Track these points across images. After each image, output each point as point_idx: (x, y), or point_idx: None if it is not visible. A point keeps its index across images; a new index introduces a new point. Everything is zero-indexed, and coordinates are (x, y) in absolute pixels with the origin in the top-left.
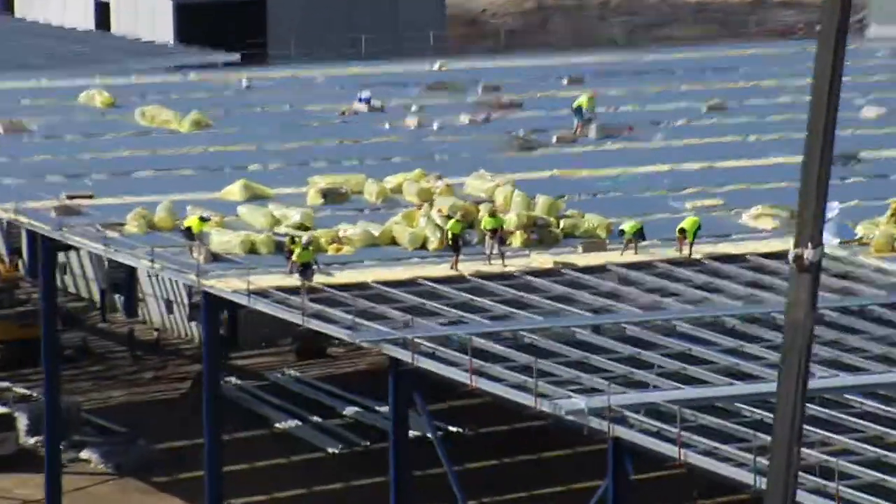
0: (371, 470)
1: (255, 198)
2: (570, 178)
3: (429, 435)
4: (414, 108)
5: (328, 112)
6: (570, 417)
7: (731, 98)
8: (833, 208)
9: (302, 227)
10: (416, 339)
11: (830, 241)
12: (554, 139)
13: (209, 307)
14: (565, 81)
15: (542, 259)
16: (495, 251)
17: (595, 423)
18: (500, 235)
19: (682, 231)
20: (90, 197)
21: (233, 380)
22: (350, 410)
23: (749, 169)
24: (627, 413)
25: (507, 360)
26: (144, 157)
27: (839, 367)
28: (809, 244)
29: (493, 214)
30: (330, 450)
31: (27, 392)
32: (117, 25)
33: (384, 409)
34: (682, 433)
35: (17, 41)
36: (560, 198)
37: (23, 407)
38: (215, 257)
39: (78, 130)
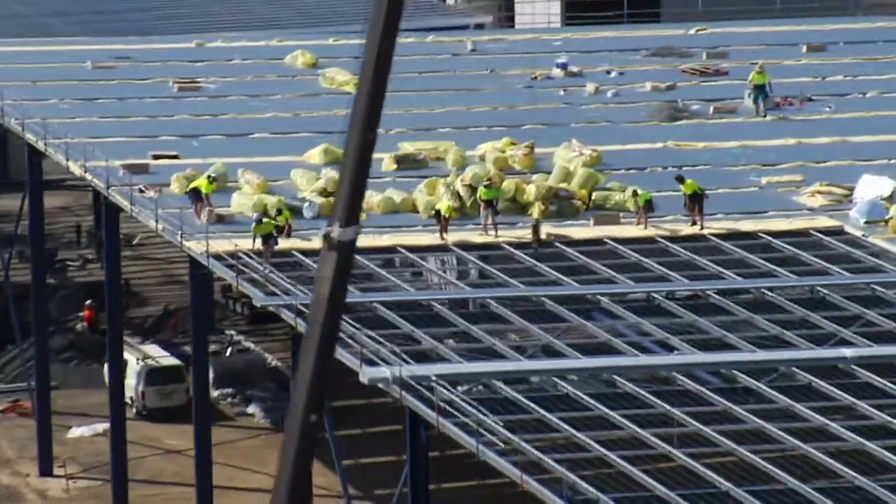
0: None
1: (336, 162)
2: (680, 149)
3: None
4: (613, 74)
5: (522, 76)
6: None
7: None
8: (890, 185)
9: (324, 192)
10: (300, 306)
11: (857, 219)
12: (711, 110)
13: (193, 268)
14: (804, 49)
15: (546, 230)
16: (490, 222)
17: (396, 391)
18: (494, 207)
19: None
20: (175, 157)
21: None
22: None
23: (879, 145)
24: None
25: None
26: (282, 118)
27: (714, 346)
28: (338, 224)
29: (489, 186)
30: None
31: (252, 346)
32: None
33: None
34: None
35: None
36: (600, 171)
37: (212, 361)
38: (221, 219)
39: (248, 90)
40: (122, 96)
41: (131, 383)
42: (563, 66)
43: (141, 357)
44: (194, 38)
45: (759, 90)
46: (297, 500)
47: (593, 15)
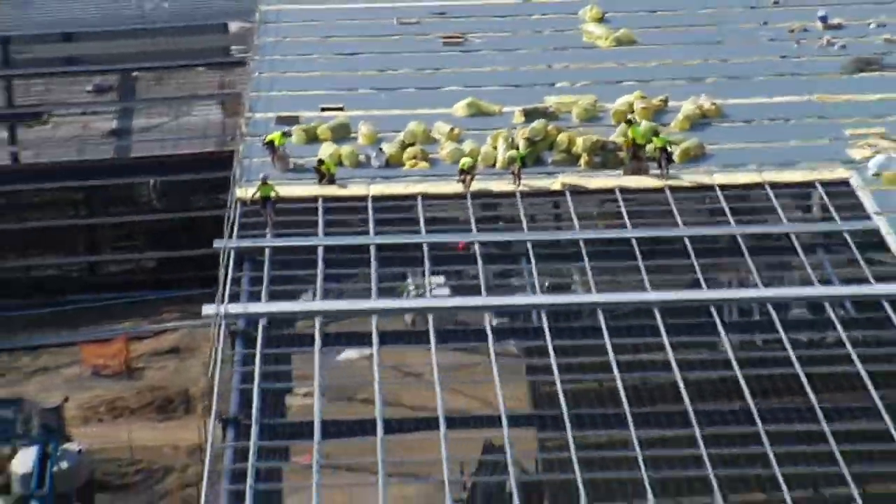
0: None
1: (480, 114)
2: (819, 102)
3: None
4: (873, 26)
5: (784, 30)
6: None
7: None
8: None
9: (403, 144)
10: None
11: (871, 169)
12: None
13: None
14: None
15: (563, 180)
16: (516, 173)
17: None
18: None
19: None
20: (341, 109)
21: None
22: None
23: None
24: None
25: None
26: (499, 72)
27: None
28: None
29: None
30: None
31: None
32: None
33: None
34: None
35: None
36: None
37: None
38: (294, 167)
39: (507, 45)
40: (388, 51)
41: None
42: (824, 19)
43: (415, 285)
44: None
45: None
46: None
47: None
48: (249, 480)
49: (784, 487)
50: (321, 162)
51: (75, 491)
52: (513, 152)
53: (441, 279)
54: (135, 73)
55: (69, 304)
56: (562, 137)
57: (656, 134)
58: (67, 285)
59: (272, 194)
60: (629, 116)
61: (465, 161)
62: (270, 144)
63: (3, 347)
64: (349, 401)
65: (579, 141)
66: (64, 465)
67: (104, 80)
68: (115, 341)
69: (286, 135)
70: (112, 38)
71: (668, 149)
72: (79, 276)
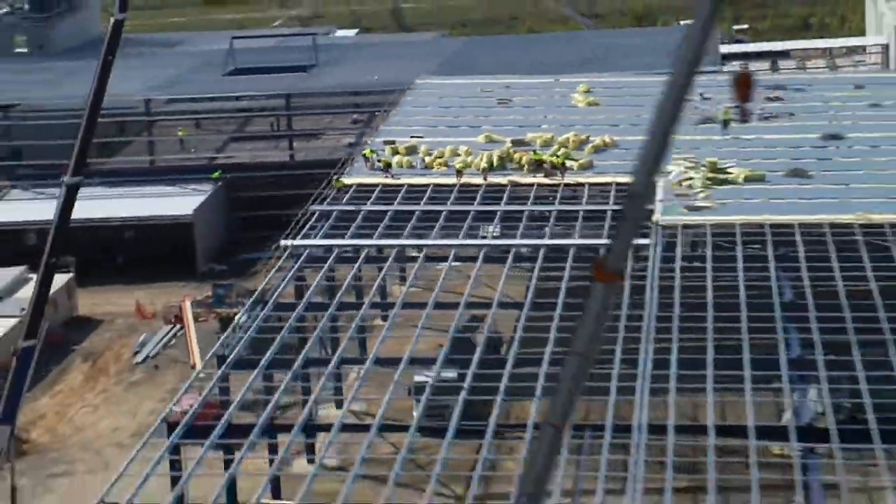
0: None
1: (490, 142)
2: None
3: None
4: (727, 98)
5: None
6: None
7: None
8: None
9: (435, 157)
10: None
11: (669, 176)
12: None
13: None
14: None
15: (509, 178)
16: (485, 174)
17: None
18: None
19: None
20: (420, 137)
21: None
22: None
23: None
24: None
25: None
26: (517, 118)
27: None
28: (69, 173)
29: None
30: None
31: None
32: None
33: None
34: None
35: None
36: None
37: None
38: (375, 168)
39: (532, 104)
40: (465, 105)
41: None
42: (701, 94)
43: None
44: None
45: (726, 122)
46: None
47: None
48: (251, 331)
49: None
50: (388, 166)
51: None
52: (485, 164)
53: (498, 228)
54: (375, 113)
55: None
56: (516, 156)
57: (557, 156)
58: None
59: (342, 185)
60: (534, 148)
61: (459, 165)
62: (364, 156)
63: (253, 257)
64: (430, 290)
65: (524, 158)
66: None
67: (359, 116)
68: None
69: (375, 150)
70: (364, 94)
71: (566, 163)
72: None
